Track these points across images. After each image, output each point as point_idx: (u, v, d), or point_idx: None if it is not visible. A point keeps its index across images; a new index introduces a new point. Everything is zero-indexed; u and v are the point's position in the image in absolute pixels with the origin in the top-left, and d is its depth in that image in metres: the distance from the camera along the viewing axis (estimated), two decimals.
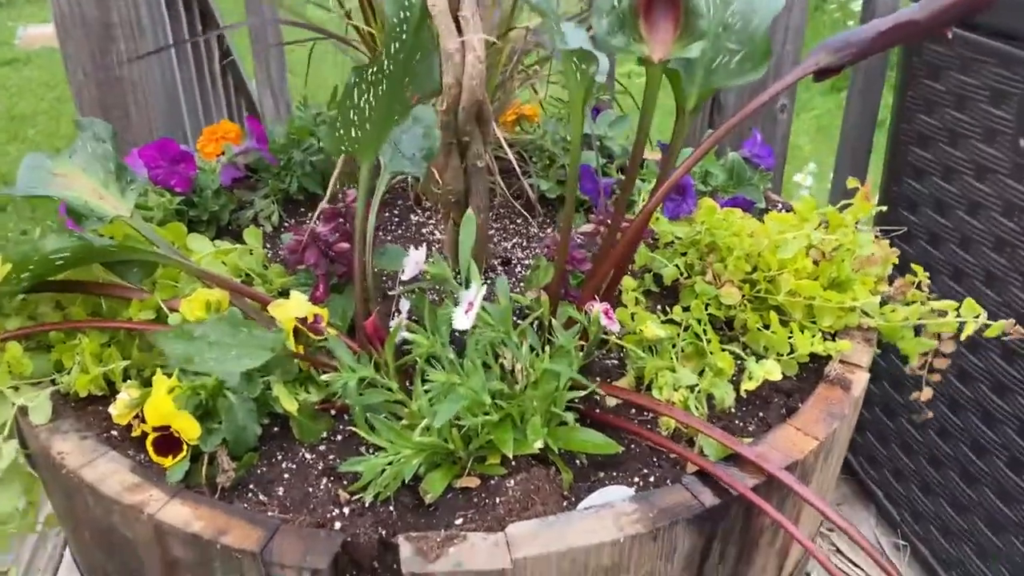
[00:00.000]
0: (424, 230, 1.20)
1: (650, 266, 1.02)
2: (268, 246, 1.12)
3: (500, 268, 1.11)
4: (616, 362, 0.93)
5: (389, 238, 1.17)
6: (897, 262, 0.96)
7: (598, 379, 0.88)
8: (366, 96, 0.79)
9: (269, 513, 0.73)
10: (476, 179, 1.01)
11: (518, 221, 1.23)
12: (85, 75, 1.41)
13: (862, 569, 1.51)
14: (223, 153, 1.17)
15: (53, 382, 0.85)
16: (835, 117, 3.69)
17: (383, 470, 0.74)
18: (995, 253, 1.23)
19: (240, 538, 0.68)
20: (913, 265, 0.95)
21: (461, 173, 1.00)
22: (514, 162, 1.18)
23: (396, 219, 1.23)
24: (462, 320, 0.75)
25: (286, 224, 1.19)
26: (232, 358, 0.75)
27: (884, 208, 1.44)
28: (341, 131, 0.80)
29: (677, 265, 0.99)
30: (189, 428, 0.74)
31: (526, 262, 1.12)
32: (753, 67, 0.77)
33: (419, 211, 1.25)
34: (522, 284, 1.05)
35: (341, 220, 0.92)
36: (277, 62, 1.66)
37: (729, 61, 0.78)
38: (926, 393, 0.92)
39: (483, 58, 0.92)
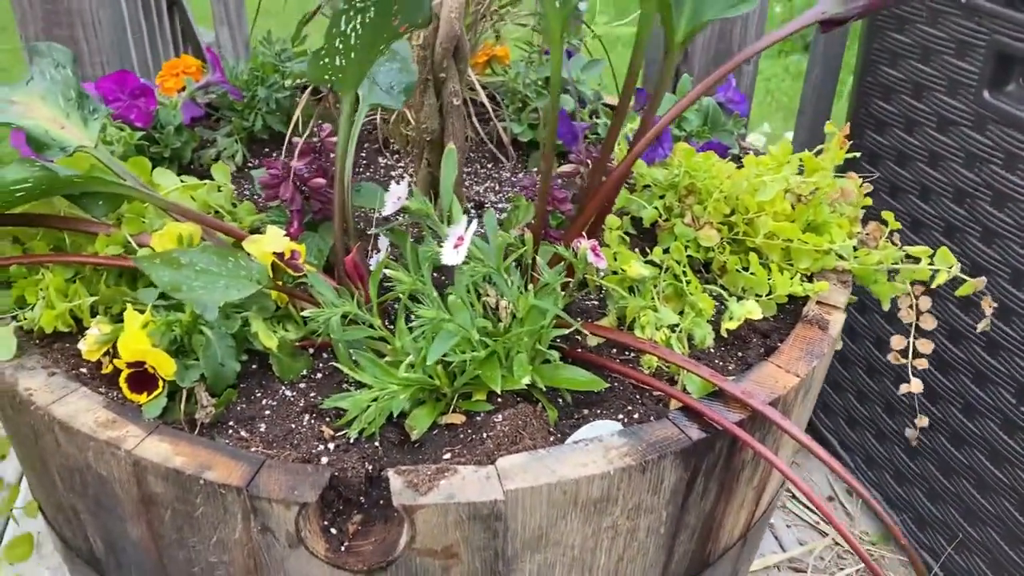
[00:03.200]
0: (393, 173, 1.17)
1: (627, 209, 1.02)
2: (233, 185, 1.08)
3: (473, 211, 1.09)
4: (596, 303, 0.93)
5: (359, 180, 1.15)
6: (870, 201, 0.98)
7: (579, 319, 0.87)
8: (353, 23, 0.76)
9: (252, 449, 0.71)
10: (453, 117, 0.98)
11: (488, 165, 1.21)
12: (31, 5, 1.34)
13: (819, 516, 1.55)
14: (183, 88, 1.12)
15: (15, 319, 0.81)
16: (781, 81, 3.72)
17: (368, 406, 0.73)
18: (955, 204, 1.25)
19: (224, 473, 0.67)
20: (884, 214, 0.96)
21: (437, 112, 0.98)
22: (487, 104, 1.16)
23: (364, 162, 1.20)
24: (451, 255, 0.73)
25: (250, 163, 1.15)
26: (220, 287, 0.73)
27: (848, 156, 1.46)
28: (326, 59, 0.77)
29: (656, 207, 0.98)
30: (165, 364, 0.72)
31: (499, 205, 1.11)
32: None
33: (387, 154, 1.22)
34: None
35: (316, 155, 0.89)
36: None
37: None
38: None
39: None
